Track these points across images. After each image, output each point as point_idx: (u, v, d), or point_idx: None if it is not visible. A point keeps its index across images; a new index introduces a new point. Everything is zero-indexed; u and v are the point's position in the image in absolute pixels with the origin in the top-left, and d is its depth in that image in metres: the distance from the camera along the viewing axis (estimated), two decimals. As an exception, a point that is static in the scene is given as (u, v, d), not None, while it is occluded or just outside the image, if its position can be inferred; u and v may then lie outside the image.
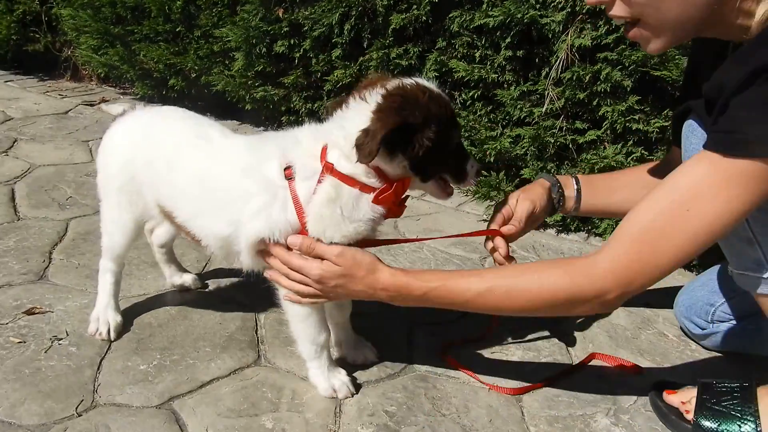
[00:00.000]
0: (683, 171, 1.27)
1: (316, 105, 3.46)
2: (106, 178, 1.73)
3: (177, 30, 3.80)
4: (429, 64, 2.89)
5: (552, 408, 1.64)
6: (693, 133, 1.42)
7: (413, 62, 2.96)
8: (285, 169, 1.47)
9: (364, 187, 1.44)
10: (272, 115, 3.84)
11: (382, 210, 1.47)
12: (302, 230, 1.46)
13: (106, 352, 1.74)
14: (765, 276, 1.40)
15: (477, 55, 2.75)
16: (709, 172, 1.21)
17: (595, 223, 2.66)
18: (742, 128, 1.16)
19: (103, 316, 1.79)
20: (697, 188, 1.22)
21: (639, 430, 1.58)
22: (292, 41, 3.33)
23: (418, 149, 1.38)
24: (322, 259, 1.44)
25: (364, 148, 1.34)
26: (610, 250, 1.31)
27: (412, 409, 1.60)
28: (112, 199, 1.73)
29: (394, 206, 1.50)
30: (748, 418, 1.46)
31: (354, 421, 1.55)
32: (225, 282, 2.15)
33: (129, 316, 1.89)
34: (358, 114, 1.40)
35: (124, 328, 1.83)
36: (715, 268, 1.92)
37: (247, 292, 2.07)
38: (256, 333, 1.88)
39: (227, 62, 3.68)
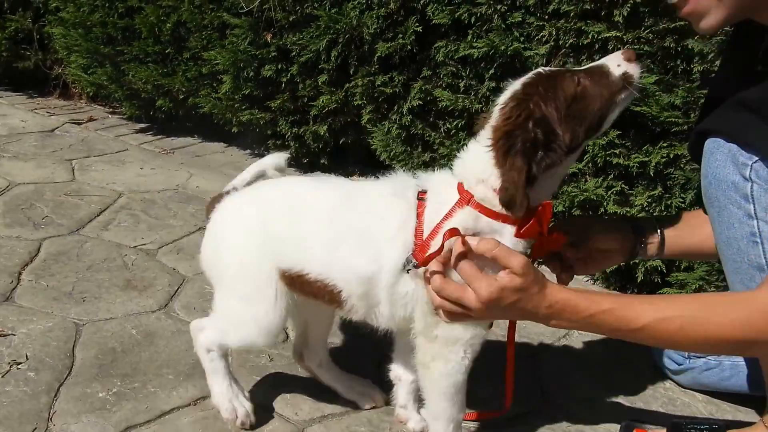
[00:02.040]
0: None
1: (302, 130, 3.45)
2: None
3: (166, 51, 3.81)
4: (414, 92, 2.90)
5: (520, 447, 1.61)
6: (718, 149, 1.34)
7: (398, 90, 2.97)
8: (419, 193, 1.41)
9: (507, 219, 1.33)
10: (259, 139, 3.83)
11: (525, 244, 1.35)
12: (416, 254, 1.35)
13: (65, 378, 1.70)
14: None
15: (461, 85, 2.75)
16: None
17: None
18: None
19: (236, 404, 1.57)
20: None
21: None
22: (279, 66, 3.34)
23: (557, 149, 1.28)
24: (503, 267, 1.28)
25: (514, 207, 1.26)
26: None
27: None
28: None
29: (541, 237, 1.36)
30: None
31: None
32: (196, 307, 2.11)
33: (93, 340, 1.85)
34: (478, 156, 1.34)
35: (86, 353, 1.79)
36: None
37: (217, 319, 2.03)
38: (223, 361, 1.84)
39: (215, 85, 3.68)
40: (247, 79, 3.45)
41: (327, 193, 1.48)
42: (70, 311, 2.00)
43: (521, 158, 1.25)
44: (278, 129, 3.55)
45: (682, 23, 2.15)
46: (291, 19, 3.19)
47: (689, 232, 1.63)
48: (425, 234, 1.35)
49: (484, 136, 1.35)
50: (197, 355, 1.58)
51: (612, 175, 2.46)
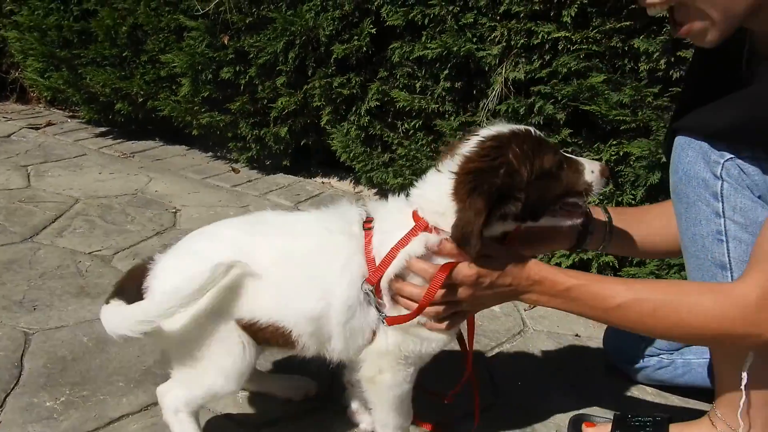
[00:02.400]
0: None
1: (263, 131, 3.44)
2: None
3: (123, 54, 3.77)
4: (371, 93, 2.91)
5: (470, 443, 1.63)
6: (690, 145, 1.34)
7: (356, 91, 2.98)
8: (365, 222, 1.39)
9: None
10: (220, 141, 3.81)
11: None
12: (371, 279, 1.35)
13: (12, 388, 1.67)
14: None
15: (418, 85, 2.77)
16: None
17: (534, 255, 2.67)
18: None
19: None
20: None
21: (555, 466, 1.57)
22: (237, 68, 3.33)
23: (514, 206, 1.27)
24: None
25: (468, 248, 1.25)
26: (755, 283, 1.22)
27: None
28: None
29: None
30: None
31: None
32: (150, 313, 2.09)
33: (42, 349, 1.82)
34: (437, 188, 1.32)
35: (35, 363, 1.76)
36: None
37: (171, 324, 2.02)
38: (175, 367, 1.83)
39: (174, 87, 3.65)
40: (205, 81, 3.44)
41: (270, 239, 1.43)
42: (20, 320, 1.97)
43: (483, 201, 1.23)
44: (239, 131, 3.54)
45: (628, 23, 2.19)
46: (247, 21, 3.18)
47: (636, 225, 1.63)
48: (377, 261, 1.34)
49: (450, 165, 1.31)
50: (166, 420, 1.47)
51: (565, 173, 2.50)
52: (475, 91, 2.66)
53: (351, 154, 3.09)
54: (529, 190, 1.27)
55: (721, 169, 1.29)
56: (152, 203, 3.06)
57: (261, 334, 1.39)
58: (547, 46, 2.39)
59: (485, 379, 1.90)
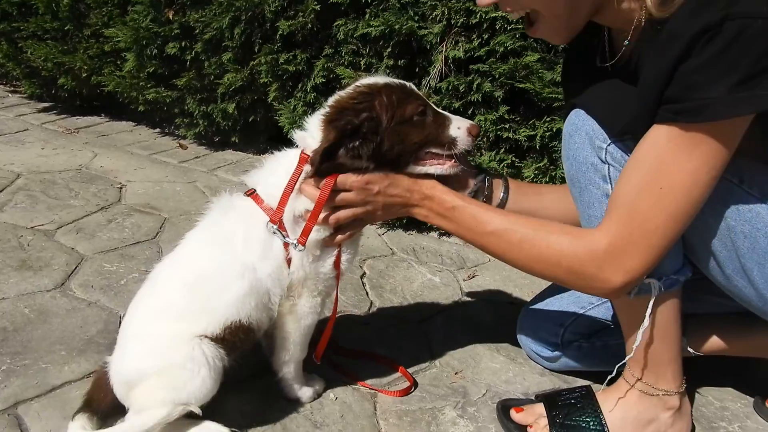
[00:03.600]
0: (645, 147, 1.26)
1: (210, 108, 3.44)
2: None
3: (66, 28, 3.70)
4: (317, 70, 2.95)
5: (404, 402, 1.71)
6: (577, 132, 1.44)
7: (301, 68, 3.01)
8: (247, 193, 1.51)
9: None
10: (167, 118, 3.79)
11: None
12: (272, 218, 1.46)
13: (-48, 358, 1.68)
14: None
15: (362, 63, 2.82)
16: (671, 145, 1.22)
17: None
18: (698, 93, 1.16)
19: None
20: (663, 164, 1.23)
21: (483, 421, 1.67)
22: (183, 43, 3.31)
23: (365, 147, 1.41)
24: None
25: (313, 166, 1.39)
26: (607, 230, 1.31)
27: (267, 408, 1.63)
28: None
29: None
30: (595, 422, 1.55)
31: (206, 420, 1.56)
32: (94, 285, 2.11)
33: (-18, 320, 1.83)
34: (315, 123, 1.46)
35: (-26, 333, 1.77)
36: (555, 286, 1.94)
37: (113, 295, 2.04)
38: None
39: (118, 62, 3.61)
40: (150, 56, 3.41)
41: (178, 264, 1.53)
42: (-41, 293, 1.97)
43: (335, 133, 1.38)
44: (186, 107, 3.53)
45: None
46: (193, -5, 3.16)
47: (533, 198, 1.71)
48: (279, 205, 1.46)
49: (330, 101, 1.48)
50: None
51: (504, 149, 2.60)
52: (417, 69, 2.72)
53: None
54: (387, 135, 1.41)
55: (605, 154, 1.39)
56: (97, 179, 3.04)
57: (222, 340, 1.46)
58: (485, 26, 2.46)
59: (423, 344, 1.99)
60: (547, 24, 1.36)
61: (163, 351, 1.41)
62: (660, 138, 1.24)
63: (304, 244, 1.46)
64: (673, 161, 1.23)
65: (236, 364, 1.54)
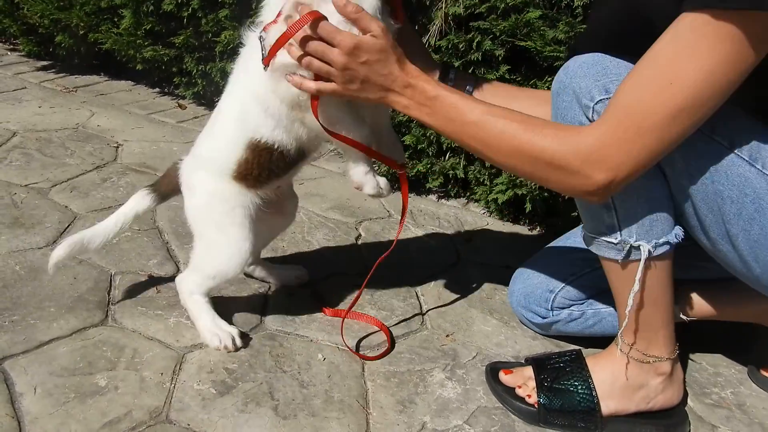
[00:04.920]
0: (665, 38, 1.14)
1: (209, 66, 3.38)
2: None
3: (61, -18, 3.63)
4: (315, 27, 2.87)
5: (392, 364, 1.70)
6: (564, 90, 1.37)
7: (300, 25, 2.93)
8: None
9: None
10: (166, 77, 3.74)
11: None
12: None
13: (-61, 313, 1.68)
14: (615, 241, 1.42)
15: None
16: (693, 36, 1.09)
17: (473, 189, 2.73)
18: None
19: (221, 333, 1.68)
20: (678, 57, 1.11)
21: (471, 384, 1.66)
22: (179, 0, 3.23)
23: None
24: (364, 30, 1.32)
25: None
26: (599, 126, 1.22)
27: (253, 366, 1.63)
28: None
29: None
30: (583, 386, 1.54)
31: (192, 378, 1.56)
32: (85, 243, 2.09)
33: (-29, 277, 1.83)
34: None
35: (-37, 289, 1.76)
36: (548, 251, 1.92)
37: (105, 253, 2.03)
38: (109, 294, 1.85)
39: (115, 20, 3.54)
40: (147, 13, 3.34)
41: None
42: (-50, 250, 1.96)
43: None
44: (184, 66, 3.47)
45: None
46: (188, -52, 3.08)
47: (503, 99, 1.56)
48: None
49: None
50: (184, 305, 1.72)
51: (504, 110, 2.53)
52: (417, 26, 2.64)
53: (297, 91, 3.06)
54: None
55: (592, 113, 1.31)
56: (93, 138, 3.01)
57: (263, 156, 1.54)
58: (483, -18, 2.38)
59: (415, 306, 1.98)
60: None
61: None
62: (682, 28, 1.11)
63: (266, 64, 1.39)
64: (690, 54, 1.10)
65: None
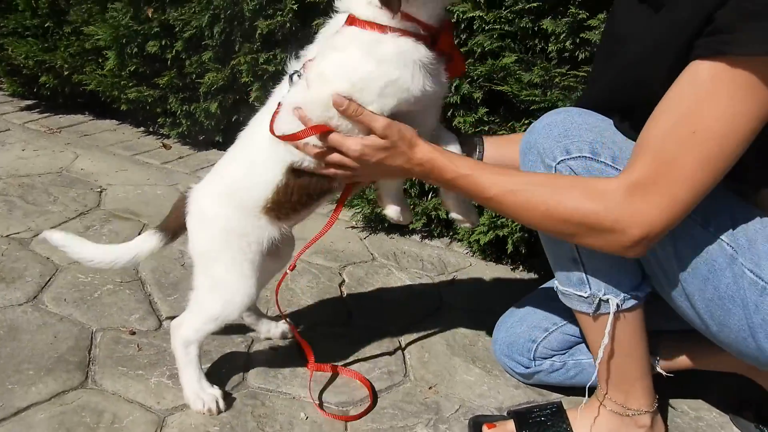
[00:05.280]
0: (680, 86, 1.14)
1: (193, 107, 3.40)
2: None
3: (46, 25, 3.65)
4: (297, 70, 2.89)
5: (375, 421, 1.70)
6: (530, 149, 1.39)
7: (281, 67, 2.95)
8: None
9: (404, 33, 1.31)
10: (150, 116, 3.75)
11: (413, 49, 1.31)
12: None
13: None
14: (585, 294, 1.45)
15: (342, 62, 2.77)
16: (712, 84, 1.09)
17: (456, 229, 2.75)
18: (757, 22, 1.03)
19: (205, 397, 1.65)
20: (699, 105, 1.10)
21: (454, 439, 1.66)
22: (164, 42, 3.26)
23: None
24: (368, 130, 1.36)
25: (390, 4, 1.27)
26: (629, 176, 1.19)
27: (235, 429, 1.62)
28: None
29: (452, 50, 1.38)
30: None
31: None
32: (67, 299, 2.09)
33: (-50, 339, 1.81)
34: None
35: (-58, 353, 1.75)
36: (532, 298, 1.93)
37: (86, 309, 2.02)
38: (89, 353, 1.84)
39: (100, 61, 3.56)
40: (131, 55, 3.36)
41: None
42: (-70, 309, 1.95)
43: None
44: (169, 106, 3.49)
45: (536, 4, 2.23)
46: (171, -7, 3.11)
47: (508, 148, 1.64)
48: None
49: None
50: (174, 352, 1.67)
51: (484, 151, 2.56)
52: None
53: (280, 131, 3.08)
54: None
55: (555, 172, 1.35)
56: (77, 182, 3.01)
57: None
58: (462, 26, 2.41)
59: (399, 356, 1.98)
60: None
61: None
62: (700, 75, 1.10)
63: (272, 133, 1.42)
64: (711, 102, 1.09)
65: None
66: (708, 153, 1.12)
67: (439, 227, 2.80)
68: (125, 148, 3.54)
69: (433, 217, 2.73)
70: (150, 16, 3.21)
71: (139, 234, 1.80)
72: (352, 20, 1.35)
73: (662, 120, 1.16)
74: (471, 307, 2.31)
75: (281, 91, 1.49)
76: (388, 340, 2.05)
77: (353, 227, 2.85)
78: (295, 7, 2.77)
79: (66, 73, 3.69)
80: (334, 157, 1.40)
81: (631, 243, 1.21)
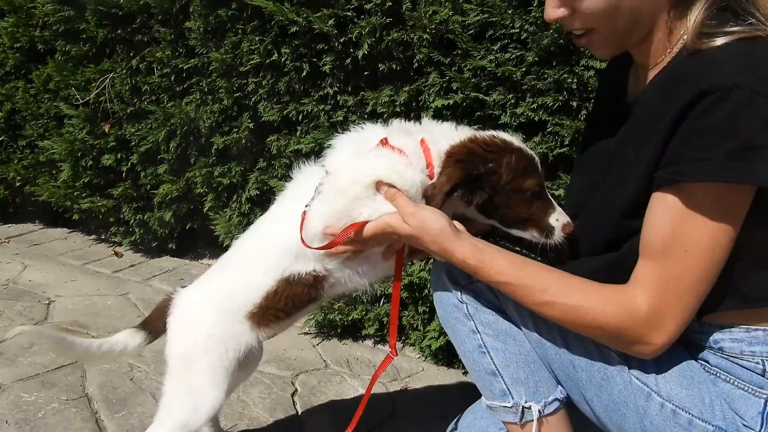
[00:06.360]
0: (660, 214, 1.29)
1: (147, 216, 3.44)
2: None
3: (0, 139, 3.69)
4: (251, 182, 3.01)
5: None
6: (440, 276, 1.52)
7: (236, 180, 3.07)
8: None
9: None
10: (103, 225, 3.77)
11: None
12: None
13: None
14: (509, 405, 1.50)
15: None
16: (686, 209, 1.25)
17: (408, 334, 2.80)
18: (705, 153, 1.19)
19: None
20: (682, 227, 1.25)
21: None
22: (119, 155, 3.35)
23: (478, 197, 1.44)
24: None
25: (432, 200, 1.41)
26: (645, 294, 1.31)
27: None
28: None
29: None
30: None
31: None
32: (9, 420, 2.02)
33: None
34: (443, 137, 1.48)
35: None
36: (480, 404, 1.92)
37: (29, 431, 1.96)
38: (31, 478, 1.78)
39: (54, 172, 3.61)
40: (86, 167, 3.43)
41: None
42: None
43: (461, 174, 1.41)
44: (122, 215, 3.53)
45: (477, 125, 2.42)
46: (129, 110, 3.23)
47: None
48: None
49: (464, 133, 1.50)
50: None
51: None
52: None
53: (234, 239, 3.14)
54: (498, 194, 1.45)
55: (461, 294, 1.48)
56: (24, 294, 2.97)
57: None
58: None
59: (383, 400, 1.96)
60: (600, 37, 1.39)
61: None
62: (669, 200, 1.27)
63: (304, 244, 1.48)
64: (692, 223, 1.24)
65: None
66: (702, 265, 1.28)
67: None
68: (76, 258, 3.53)
69: (385, 322, 2.79)
70: (107, 131, 3.31)
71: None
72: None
73: (654, 244, 1.32)
74: (423, 413, 2.33)
75: (287, 200, 1.62)
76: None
77: (306, 333, 2.88)
78: (251, 125, 2.91)
79: (18, 184, 3.71)
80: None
81: (655, 350, 1.34)
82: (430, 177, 1.47)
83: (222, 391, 1.59)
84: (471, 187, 1.44)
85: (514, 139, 1.52)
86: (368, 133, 1.57)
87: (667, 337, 1.33)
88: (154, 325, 1.69)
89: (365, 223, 1.45)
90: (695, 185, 1.23)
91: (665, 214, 1.29)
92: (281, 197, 1.68)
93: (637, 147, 1.34)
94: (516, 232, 1.52)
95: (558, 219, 1.49)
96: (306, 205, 1.51)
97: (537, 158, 1.52)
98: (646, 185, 1.31)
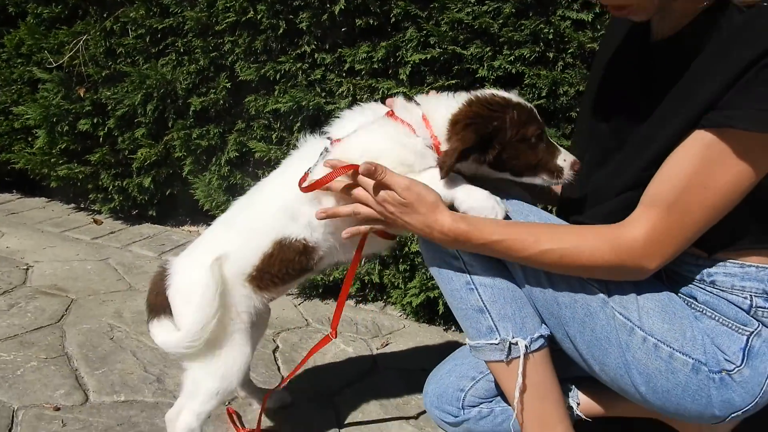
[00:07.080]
0: (687, 148, 1.33)
1: (126, 182, 3.41)
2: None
3: (-27, 107, 3.63)
4: (230, 144, 2.99)
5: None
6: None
7: (215, 142, 3.04)
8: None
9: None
10: (82, 193, 3.73)
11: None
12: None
13: None
14: (496, 341, 1.52)
15: (273, 136, 2.88)
16: (721, 148, 1.29)
17: (389, 293, 2.81)
18: (762, 104, 1.22)
19: None
20: (710, 165, 1.30)
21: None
22: (96, 120, 3.30)
23: (490, 154, 1.49)
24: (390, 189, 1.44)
25: (443, 167, 1.44)
26: (646, 225, 1.36)
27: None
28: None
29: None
30: None
31: None
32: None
33: None
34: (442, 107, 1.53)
35: None
36: (461, 351, 1.95)
37: (7, 387, 1.95)
38: (10, 431, 1.78)
39: (29, 139, 3.55)
40: (62, 133, 3.38)
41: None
42: None
43: (474, 137, 1.45)
44: (101, 182, 3.49)
45: (454, 81, 2.42)
46: (104, 73, 3.18)
47: None
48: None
49: (461, 98, 1.54)
50: None
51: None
52: (327, 142, 2.80)
53: (213, 203, 3.13)
54: (507, 148, 1.50)
55: None
56: (2, 260, 2.94)
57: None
58: (387, 101, 2.57)
59: (332, 419, 1.99)
60: (640, 8, 1.40)
61: None
62: (709, 140, 1.30)
63: (304, 191, 1.51)
64: (721, 163, 1.29)
65: None
66: (716, 203, 1.33)
67: (373, 291, 2.87)
68: (54, 225, 3.50)
69: (366, 281, 2.80)
70: (82, 95, 3.26)
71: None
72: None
73: (673, 176, 1.36)
74: (404, 366, 2.35)
75: (293, 163, 1.63)
76: (322, 402, 2.06)
77: (288, 294, 2.88)
78: (228, 85, 2.88)
79: (-7, 152, 3.66)
80: (360, 191, 1.50)
81: (648, 273, 1.40)
82: (435, 147, 1.52)
83: (245, 351, 1.62)
84: (483, 147, 1.50)
85: (512, 95, 1.58)
86: (374, 107, 1.63)
87: (662, 261, 1.38)
88: (155, 305, 1.64)
89: (357, 167, 1.48)
90: (741, 133, 1.27)
91: (696, 151, 1.33)
92: (283, 164, 1.70)
93: (685, 87, 1.36)
94: (527, 180, 1.57)
95: (565, 159, 1.55)
96: (309, 169, 1.55)
97: (533, 108, 1.58)
98: (692, 124, 1.33)
